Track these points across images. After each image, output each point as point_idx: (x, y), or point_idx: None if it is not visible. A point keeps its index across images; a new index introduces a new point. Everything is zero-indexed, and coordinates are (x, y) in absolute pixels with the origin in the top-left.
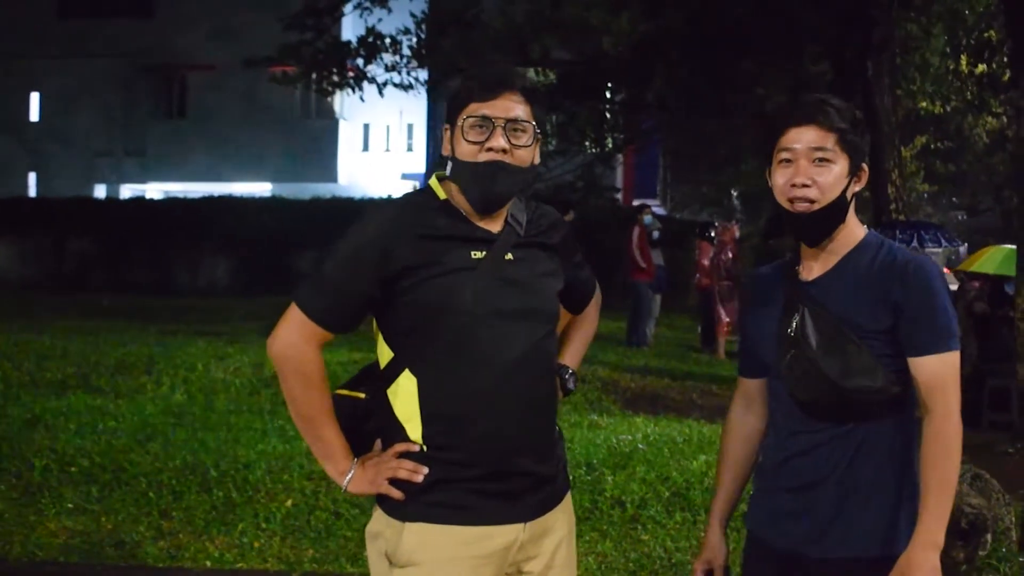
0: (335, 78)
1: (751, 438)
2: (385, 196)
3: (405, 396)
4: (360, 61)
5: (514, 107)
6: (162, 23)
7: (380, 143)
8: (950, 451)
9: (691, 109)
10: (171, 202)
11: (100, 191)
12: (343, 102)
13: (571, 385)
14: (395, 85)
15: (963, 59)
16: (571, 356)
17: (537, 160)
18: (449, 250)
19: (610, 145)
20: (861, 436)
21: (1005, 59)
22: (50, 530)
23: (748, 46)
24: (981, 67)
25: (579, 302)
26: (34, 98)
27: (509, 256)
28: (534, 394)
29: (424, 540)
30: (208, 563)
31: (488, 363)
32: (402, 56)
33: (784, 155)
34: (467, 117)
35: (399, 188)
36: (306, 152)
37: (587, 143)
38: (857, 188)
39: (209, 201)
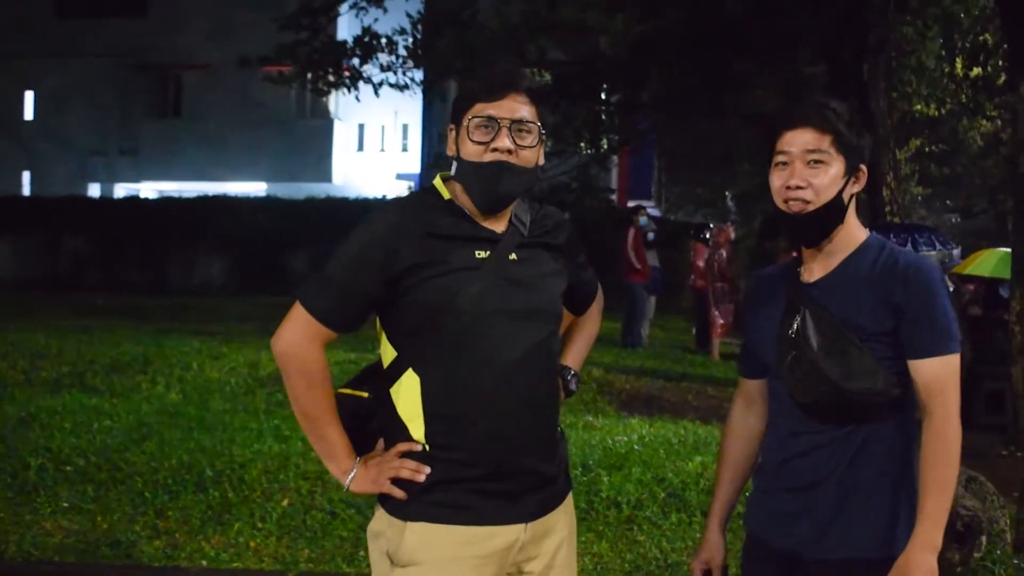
0: (331, 78)
1: (752, 439)
2: (380, 196)
3: (408, 395)
4: (356, 61)
5: (519, 108)
6: (157, 22)
7: (375, 143)
8: (949, 454)
9: (687, 110)
10: (166, 201)
11: (94, 190)
12: (338, 102)
13: (573, 386)
14: (390, 85)
15: (958, 62)
16: (573, 357)
17: (542, 161)
18: (453, 250)
19: (605, 146)
20: (861, 437)
21: (1000, 62)
22: (46, 529)
23: (744, 47)
24: (976, 70)
25: (582, 303)
26: (28, 97)
27: (513, 256)
28: (536, 394)
29: (426, 540)
30: (204, 563)
31: (491, 363)
32: (398, 56)
33: (780, 157)
34: (472, 117)
35: (394, 188)
36: (301, 152)
37: (582, 144)
38: (855, 189)
39: (204, 200)
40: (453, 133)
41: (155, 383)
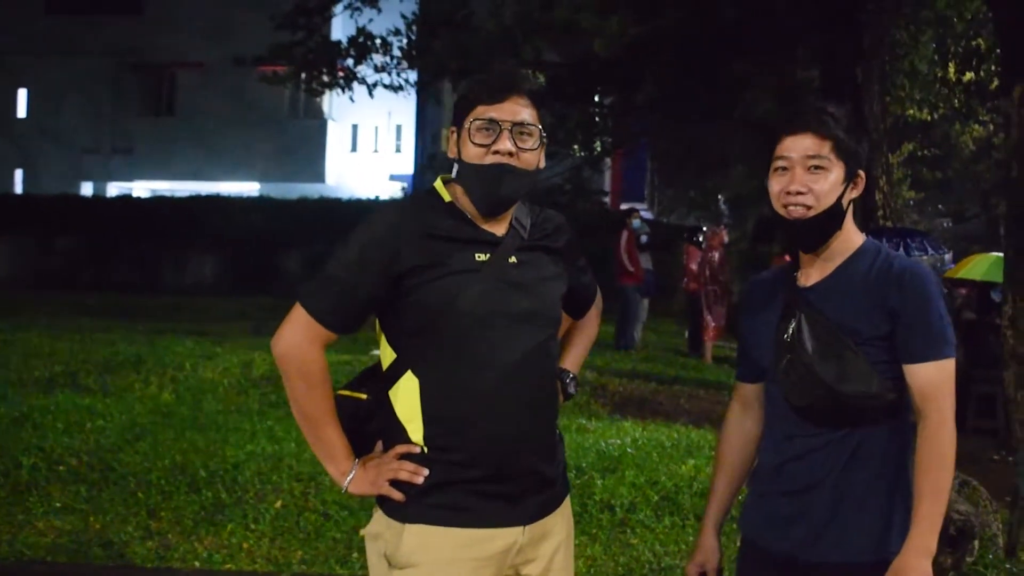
0: (325, 78)
1: (748, 442)
2: (373, 197)
3: (407, 397)
4: (350, 61)
5: (521, 110)
6: (151, 21)
7: (368, 144)
8: (944, 458)
9: (680, 113)
10: (159, 200)
11: (87, 189)
12: (331, 102)
13: (572, 389)
14: (385, 86)
15: (951, 66)
16: (572, 360)
17: (542, 163)
18: (453, 252)
19: (599, 148)
20: (856, 441)
21: (993, 67)
22: (38, 529)
23: (738, 50)
24: (969, 75)
25: (581, 307)
26: (22, 94)
27: (513, 259)
28: (535, 397)
29: (424, 542)
30: (197, 563)
31: (490, 365)
32: (392, 57)
33: (780, 163)
34: (474, 120)
35: (387, 189)
36: (294, 152)
37: (576, 146)
38: (854, 195)
39: (197, 200)
40: (454, 135)
41: (148, 383)
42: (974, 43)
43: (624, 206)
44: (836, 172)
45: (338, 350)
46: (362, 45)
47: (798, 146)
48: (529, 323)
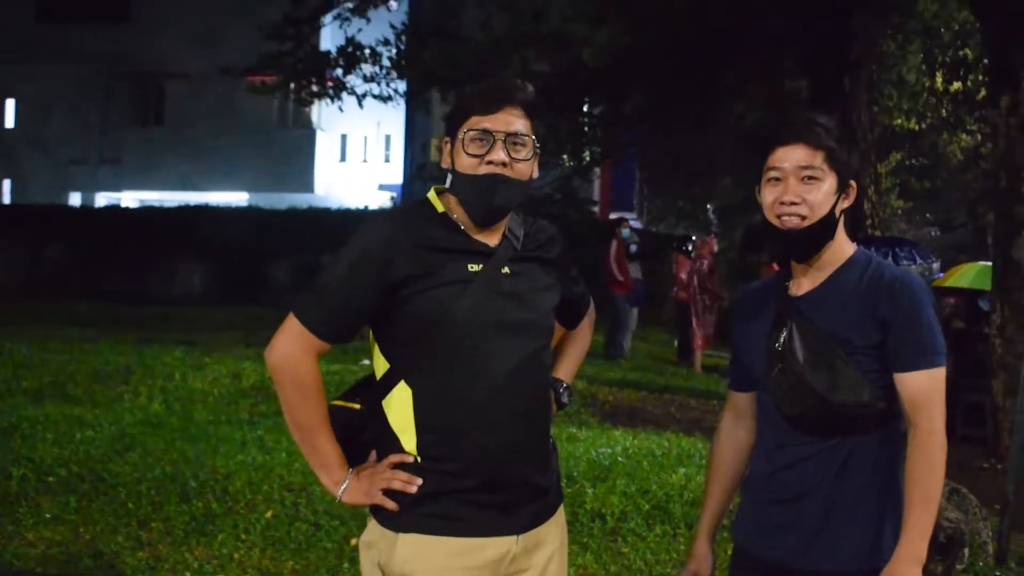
0: (314, 88)
1: (740, 451)
2: (362, 207)
3: (400, 407)
4: (339, 71)
5: (514, 121)
6: (140, 30)
7: (357, 154)
8: (934, 467)
9: (669, 122)
10: (147, 210)
11: (75, 199)
12: (320, 112)
13: (565, 399)
14: (374, 96)
15: (939, 77)
16: (565, 370)
17: (536, 174)
18: (446, 262)
19: (588, 158)
20: (847, 450)
21: (980, 77)
22: (28, 540)
23: (727, 59)
24: (956, 85)
25: (574, 317)
26: (9, 104)
27: (506, 270)
28: (528, 406)
29: (417, 551)
30: (187, 574)
31: (483, 375)
32: (381, 67)
33: (773, 173)
34: (468, 130)
35: (376, 199)
36: (283, 162)
37: (565, 156)
38: (846, 204)
39: (185, 210)
40: (448, 146)
41: (137, 393)
42: (961, 53)
43: (613, 216)
44: (829, 182)
45: (328, 360)
46: (351, 55)
47: (791, 156)
48: (522, 333)
